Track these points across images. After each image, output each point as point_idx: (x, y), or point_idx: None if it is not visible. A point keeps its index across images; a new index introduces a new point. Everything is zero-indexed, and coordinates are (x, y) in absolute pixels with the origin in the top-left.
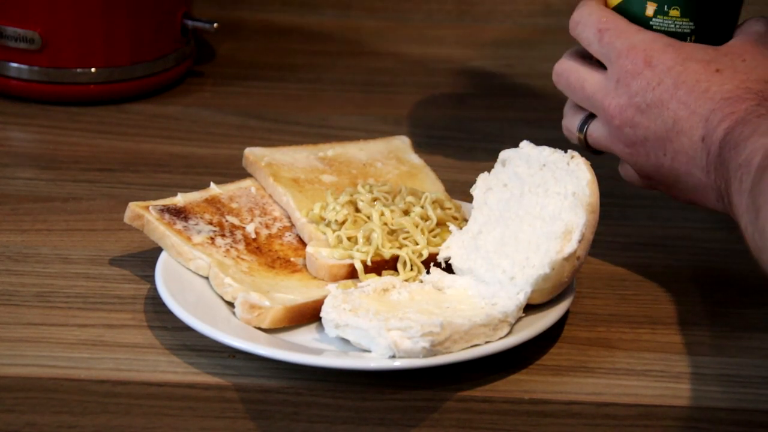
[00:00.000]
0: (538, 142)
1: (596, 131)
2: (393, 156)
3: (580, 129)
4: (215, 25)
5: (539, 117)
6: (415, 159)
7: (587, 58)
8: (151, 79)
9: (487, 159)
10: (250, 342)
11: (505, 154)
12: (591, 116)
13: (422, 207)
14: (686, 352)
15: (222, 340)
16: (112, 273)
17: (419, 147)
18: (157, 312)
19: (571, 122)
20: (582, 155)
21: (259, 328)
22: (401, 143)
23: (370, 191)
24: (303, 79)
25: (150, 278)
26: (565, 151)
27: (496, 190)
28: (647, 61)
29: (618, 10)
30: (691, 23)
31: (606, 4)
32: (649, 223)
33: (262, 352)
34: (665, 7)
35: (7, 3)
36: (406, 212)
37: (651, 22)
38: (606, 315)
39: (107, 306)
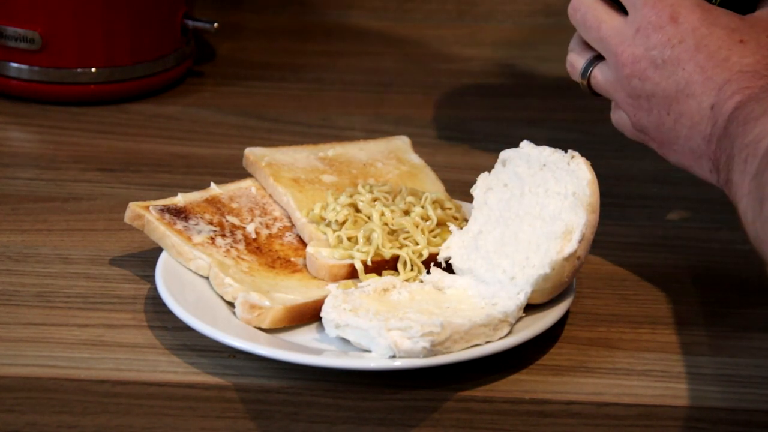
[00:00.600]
0: (538, 142)
1: (601, 74)
2: (393, 156)
3: (585, 69)
4: (215, 25)
5: (539, 117)
6: (416, 159)
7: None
8: (152, 79)
9: (487, 159)
10: (251, 342)
11: (505, 154)
12: (599, 57)
13: (422, 207)
14: (686, 352)
15: (222, 340)
16: (113, 273)
17: (419, 147)
18: (158, 312)
19: (576, 60)
20: (582, 154)
21: (260, 328)
22: (401, 143)
23: (371, 191)
24: (303, 79)
25: (150, 278)
26: (566, 151)
27: (497, 190)
28: (673, 16)
29: None
30: None
31: None
32: (649, 223)
33: (263, 352)
34: None
35: (7, 3)
36: (407, 212)
37: None
38: (606, 315)
39: (107, 306)
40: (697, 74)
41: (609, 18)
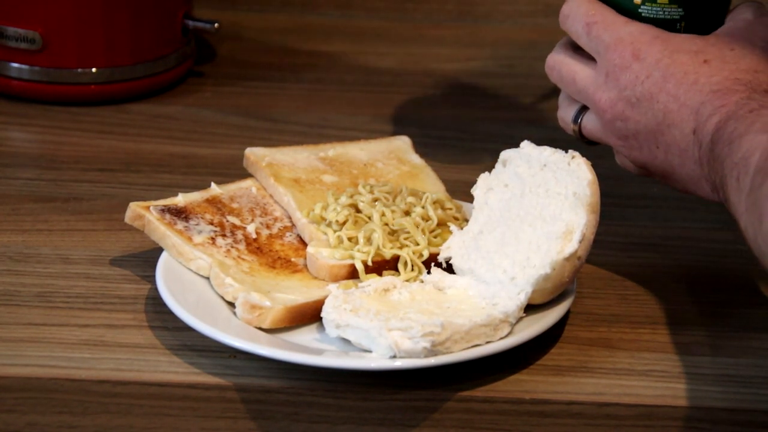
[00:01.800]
0: (538, 142)
1: (590, 123)
2: (394, 156)
3: (574, 121)
4: (215, 25)
5: (539, 117)
6: (416, 159)
7: (578, 50)
8: (152, 79)
9: (487, 159)
10: (251, 342)
11: (505, 154)
12: (585, 108)
13: (423, 207)
14: (686, 352)
15: (223, 340)
16: (113, 273)
17: (420, 147)
18: (158, 312)
19: (565, 113)
20: (582, 154)
21: (260, 328)
22: (402, 143)
23: (371, 191)
24: (303, 79)
25: (151, 278)
26: (566, 151)
27: (497, 190)
28: (635, 54)
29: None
30: (680, 9)
31: None
32: (649, 223)
33: (263, 352)
34: None
35: (7, 3)
36: (407, 212)
37: (640, 10)
38: (606, 315)
39: (108, 306)
40: (671, 103)
41: (581, 69)
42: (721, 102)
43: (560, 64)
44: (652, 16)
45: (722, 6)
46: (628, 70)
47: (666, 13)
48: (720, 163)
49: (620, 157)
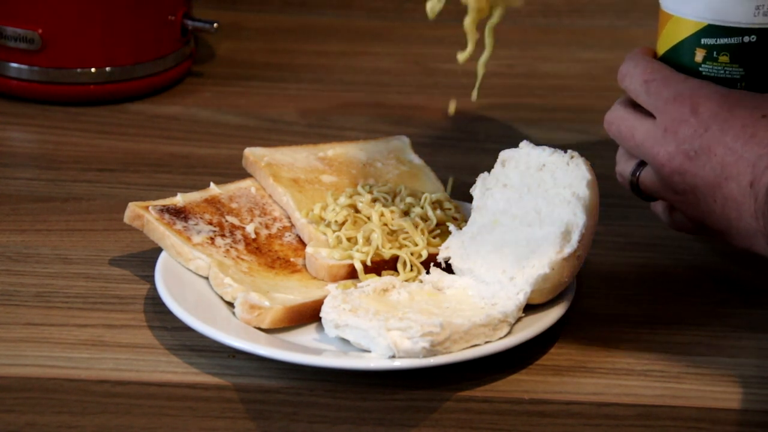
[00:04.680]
0: (538, 142)
1: (648, 178)
2: (393, 156)
3: (633, 176)
4: (215, 25)
5: (539, 117)
6: (415, 159)
7: (637, 107)
8: (151, 80)
9: (487, 159)
10: (250, 342)
11: (505, 154)
12: (642, 163)
13: (422, 207)
14: (686, 352)
15: (222, 340)
16: (112, 273)
17: (419, 147)
18: (157, 312)
19: (624, 169)
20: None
21: (259, 328)
22: (401, 143)
23: (370, 192)
24: (303, 79)
25: (150, 278)
26: (565, 151)
27: (496, 190)
28: (693, 108)
29: (667, 58)
30: (740, 69)
31: (655, 53)
32: (649, 223)
33: (262, 352)
34: (714, 53)
35: (7, 3)
36: (406, 213)
37: (700, 69)
38: (606, 315)
39: (107, 306)
40: (729, 156)
41: (640, 124)
42: None
43: (619, 120)
44: (713, 74)
45: None
46: (686, 124)
47: (727, 72)
48: None
49: (675, 217)
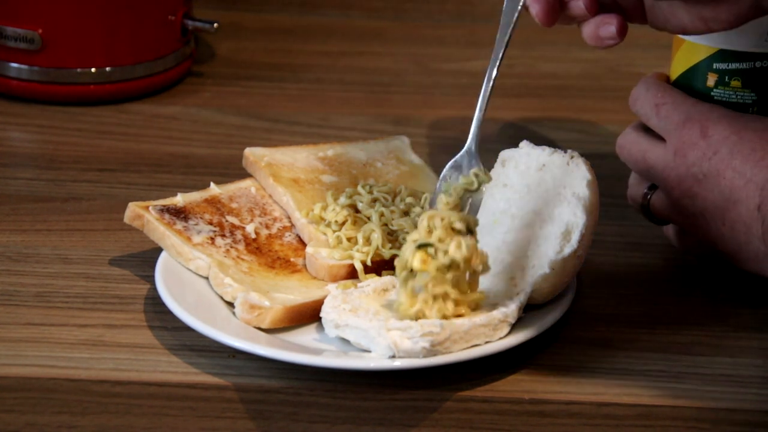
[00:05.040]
0: (537, 142)
1: (658, 202)
2: (393, 156)
3: (644, 199)
4: (215, 25)
5: (539, 117)
6: (415, 159)
7: (648, 131)
8: (152, 79)
9: (487, 159)
10: (250, 342)
11: (505, 154)
12: (654, 187)
13: (422, 207)
14: (686, 352)
15: (222, 340)
16: (112, 273)
17: (419, 147)
18: (157, 312)
19: (635, 192)
20: (583, 157)
21: (259, 328)
22: (401, 143)
23: (370, 192)
24: (303, 79)
25: (150, 278)
26: (565, 151)
27: (496, 190)
28: (703, 131)
29: (679, 82)
30: (752, 94)
31: (668, 78)
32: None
33: (262, 352)
34: (726, 78)
35: (7, 3)
36: (406, 213)
37: (713, 93)
38: (606, 315)
39: (107, 306)
40: (738, 179)
41: (651, 148)
42: None
43: (630, 143)
44: (724, 99)
45: None
46: (695, 147)
47: (739, 96)
48: None
49: (686, 240)
